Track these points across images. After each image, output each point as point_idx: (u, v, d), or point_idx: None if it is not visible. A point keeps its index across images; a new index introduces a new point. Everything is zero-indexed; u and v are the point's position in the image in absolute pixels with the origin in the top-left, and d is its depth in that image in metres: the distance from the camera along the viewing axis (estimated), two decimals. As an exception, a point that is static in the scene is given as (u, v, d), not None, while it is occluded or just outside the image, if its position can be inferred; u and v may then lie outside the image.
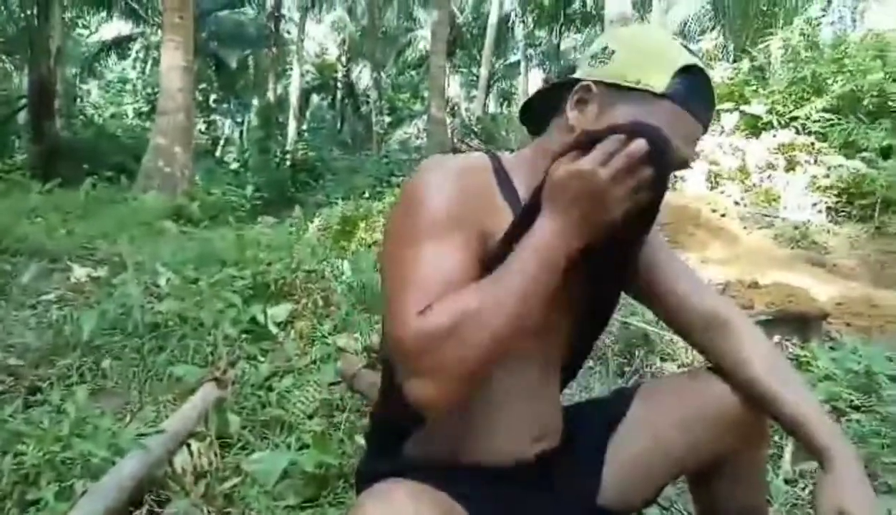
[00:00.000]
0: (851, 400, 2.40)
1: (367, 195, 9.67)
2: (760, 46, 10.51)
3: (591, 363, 2.79)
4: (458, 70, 25.22)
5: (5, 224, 4.25)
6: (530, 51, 22.53)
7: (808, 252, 6.51)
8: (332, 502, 1.70)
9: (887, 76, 8.43)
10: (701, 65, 0.95)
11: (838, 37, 11.63)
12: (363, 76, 23.54)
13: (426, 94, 17.89)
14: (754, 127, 8.83)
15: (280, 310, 2.91)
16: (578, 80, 0.97)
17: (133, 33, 19.12)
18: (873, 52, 8.90)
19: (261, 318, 2.76)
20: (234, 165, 16.70)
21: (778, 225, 7.24)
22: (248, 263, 3.27)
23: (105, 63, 20.52)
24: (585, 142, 0.89)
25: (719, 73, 10.04)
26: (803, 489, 1.90)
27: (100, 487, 1.47)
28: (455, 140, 14.66)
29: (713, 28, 15.34)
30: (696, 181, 7.94)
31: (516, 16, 21.31)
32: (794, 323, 3.29)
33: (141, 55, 20.78)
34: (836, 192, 7.63)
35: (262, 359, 2.53)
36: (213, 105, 23.60)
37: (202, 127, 22.29)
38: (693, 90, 0.93)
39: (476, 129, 16.15)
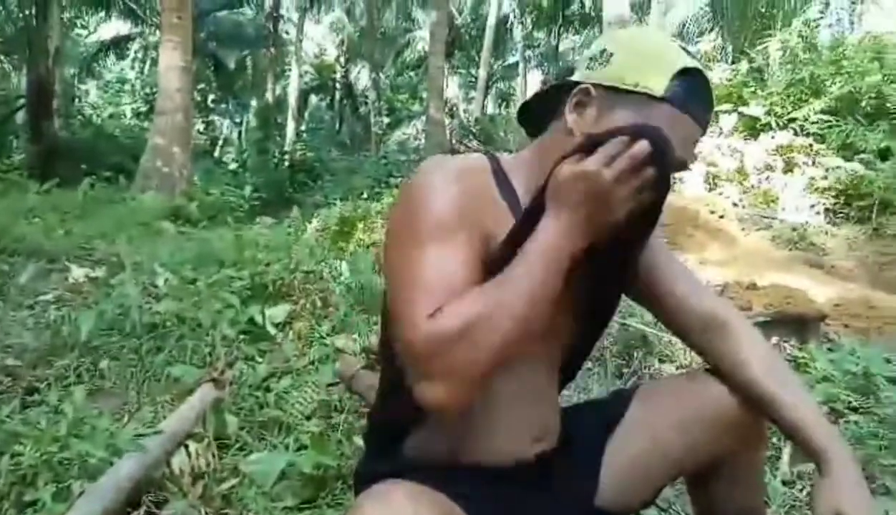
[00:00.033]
0: (849, 402, 2.40)
1: (365, 196, 9.67)
2: (759, 48, 10.55)
3: (589, 364, 2.79)
4: (457, 71, 25.22)
5: (3, 224, 4.24)
6: (529, 52, 22.52)
7: (806, 253, 6.53)
8: (330, 503, 1.70)
9: (885, 78, 8.47)
10: (700, 67, 0.95)
11: (836, 39, 11.68)
12: (362, 77, 23.54)
13: (425, 95, 17.91)
14: (753, 128, 8.85)
15: (278, 311, 2.91)
16: (577, 83, 0.97)
17: (131, 33, 19.08)
18: (871, 54, 8.93)
19: (259, 319, 2.76)
20: (233, 166, 16.67)
21: (776, 226, 7.25)
22: (246, 264, 3.26)
23: (103, 63, 20.48)
24: (588, 145, 0.90)
25: (718, 75, 10.06)
26: (801, 490, 1.90)
27: (97, 488, 1.47)
28: (453, 141, 14.65)
29: (711, 30, 15.34)
30: (695, 182, 7.96)
31: (515, 17, 21.31)
32: (792, 324, 3.30)
33: (139, 55, 20.77)
34: (834, 194, 7.65)
35: (260, 360, 2.53)
36: (212, 105, 23.59)
37: (200, 127, 22.27)
38: (692, 92, 0.94)
39: (474, 130, 16.15)
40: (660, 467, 1.11)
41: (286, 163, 15.45)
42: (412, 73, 25.62)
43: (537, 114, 1.07)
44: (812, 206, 7.65)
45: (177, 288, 2.95)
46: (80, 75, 19.73)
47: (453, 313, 0.82)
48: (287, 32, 21.68)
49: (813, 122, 8.51)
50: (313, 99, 26.06)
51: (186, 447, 1.78)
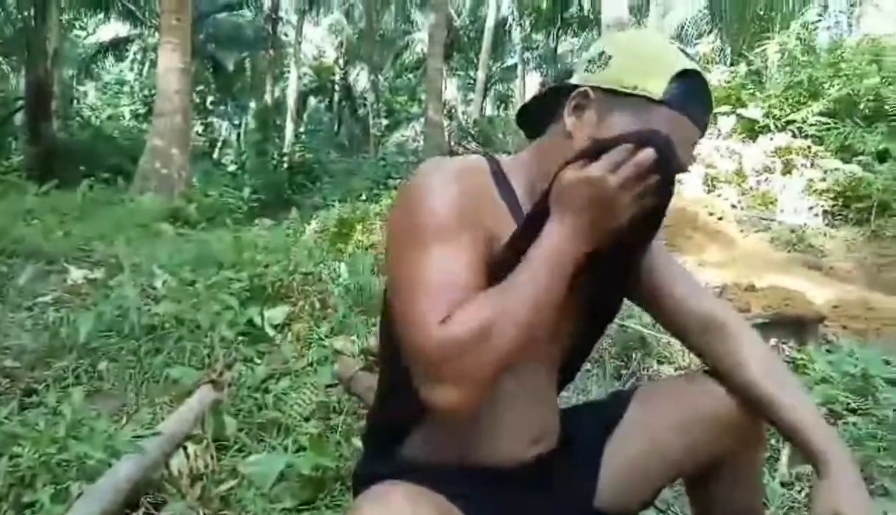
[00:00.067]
0: (848, 403, 2.41)
1: (364, 197, 9.67)
2: (757, 50, 10.57)
3: (588, 366, 2.79)
4: (456, 73, 25.25)
5: (2, 225, 4.25)
6: (527, 54, 22.53)
7: (804, 255, 6.54)
8: (328, 505, 1.69)
9: (883, 80, 8.49)
10: (698, 69, 0.95)
11: (835, 41, 11.69)
12: (360, 79, 23.55)
13: (423, 97, 17.88)
14: (751, 130, 8.86)
15: (277, 313, 2.91)
16: (575, 85, 0.97)
17: (130, 35, 19.08)
18: (869, 56, 8.95)
19: (257, 320, 2.76)
20: (232, 167, 16.62)
21: (774, 228, 7.26)
22: (244, 265, 3.26)
23: (102, 65, 20.48)
24: (592, 151, 0.90)
25: (716, 77, 10.08)
26: (800, 492, 1.90)
27: (96, 489, 1.46)
28: (452, 143, 14.65)
29: (710, 32, 15.36)
30: (694, 184, 7.97)
31: (513, 19, 21.32)
32: (791, 326, 3.30)
33: (138, 57, 20.76)
34: (832, 196, 7.66)
35: (258, 362, 2.52)
36: (211, 107, 23.60)
37: (199, 129, 22.28)
38: (691, 95, 0.94)
39: (473, 132, 16.16)
40: (658, 468, 1.11)
41: (285, 165, 15.45)
42: (411, 75, 25.63)
43: (536, 117, 1.07)
44: (810, 208, 7.67)
45: (175, 289, 2.95)
46: (78, 77, 19.74)
47: (463, 320, 0.83)
48: (286, 34, 21.70)
49: (811, 124, 8.53)
50: (312, 101, 26.07)
51: (185, 448, 1.77)
